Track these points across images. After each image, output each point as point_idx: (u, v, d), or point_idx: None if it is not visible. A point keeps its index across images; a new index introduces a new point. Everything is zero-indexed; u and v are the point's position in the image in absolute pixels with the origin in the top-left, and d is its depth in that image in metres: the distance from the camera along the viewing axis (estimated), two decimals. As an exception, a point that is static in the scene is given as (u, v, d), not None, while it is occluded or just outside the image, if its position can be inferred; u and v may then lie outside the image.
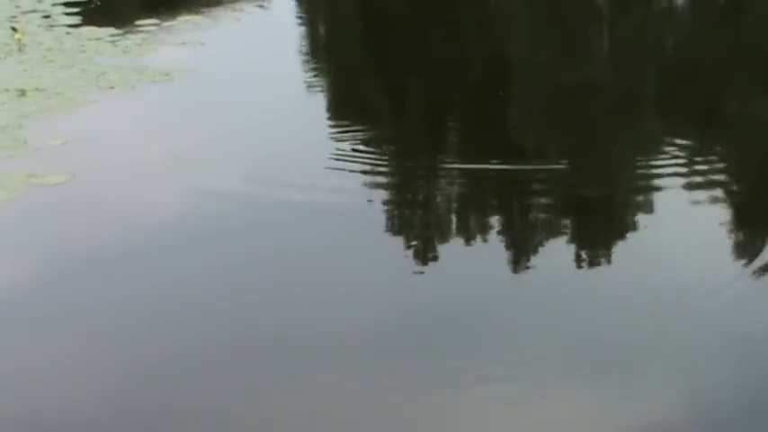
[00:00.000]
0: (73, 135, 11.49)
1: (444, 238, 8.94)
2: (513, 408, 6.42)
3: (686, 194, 9.56)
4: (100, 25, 16.52)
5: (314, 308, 7.63)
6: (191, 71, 13.99)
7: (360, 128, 11.52)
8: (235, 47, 16.22)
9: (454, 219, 9.42)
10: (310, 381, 6.75)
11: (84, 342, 7.36)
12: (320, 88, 13.82)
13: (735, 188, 9.83)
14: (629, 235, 8.80)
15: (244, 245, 8.73)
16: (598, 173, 10.32)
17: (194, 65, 14.33)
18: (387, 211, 9.47)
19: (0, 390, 6.81)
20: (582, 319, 7.37)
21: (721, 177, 9.99)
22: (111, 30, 16.21)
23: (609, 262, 8.30)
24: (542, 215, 9.38)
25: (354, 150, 10.76)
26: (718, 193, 9.57)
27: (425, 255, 8.57)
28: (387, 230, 9.04)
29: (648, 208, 9.34)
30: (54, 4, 18.32)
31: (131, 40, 15.77)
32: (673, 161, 10.45)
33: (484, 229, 9.02)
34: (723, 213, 9.13)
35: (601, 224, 9.18)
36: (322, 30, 19.39)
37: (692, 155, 10.61)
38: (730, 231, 8.76)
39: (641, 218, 9.16)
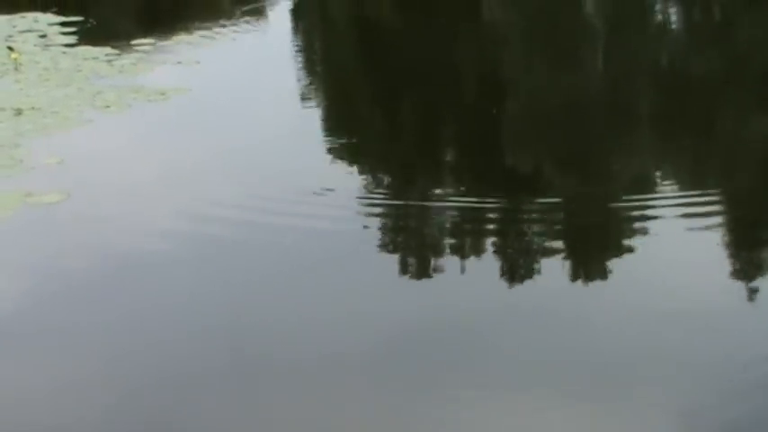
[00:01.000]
0: (69, 154, 11.51)
1: (437, 260, 8.89)
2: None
3: (682, 216, 9.57)
4: (96, 45, 16.57)
5: (307, 330, 7.60)
6: (186, 90, 14.02)
7: (354, 148, 11.54)
8: (230, 66, 16.26)
9: (447, 243, 9.36)
10: (305, 402, 6.75)
11: (76, 362, 7.34)
12: (316, 107, 13.85)
13: (731, 210, 9.81)
14: (623, 258, 8.75)
15: (239, 266, 8.71)
16: (591, 195, 10.35)
17: (190, 84, 14.36)
18: (380, 231, 9.42)
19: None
20: (576, 342, 7.37)
21: (717, 199, 10.01)
22: (108, 49, 16.26)
23: (603, 285, 8.25)
24: (535, 238, 9.35)
25: (347, 172, 10.78)
26: (714, 215, 9.56)
27: (418, 277, 8.57)
28: (379, 251, 8.99)
29: (642, 230, 9.31)
30: (50, 24, 18.37)
31: (127, 59, 15.81)
32: (667, 182, 10.50)
33: (476, 252, 8.99)
34: (718, 235, 9.10)
35: (594, 247, 9.14)
36: (318, 49, 19.43)
37: (686, 176, 10.66)
38: (726, 253, 8.73)
39: (635, 240, 9.12)
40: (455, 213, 9.84)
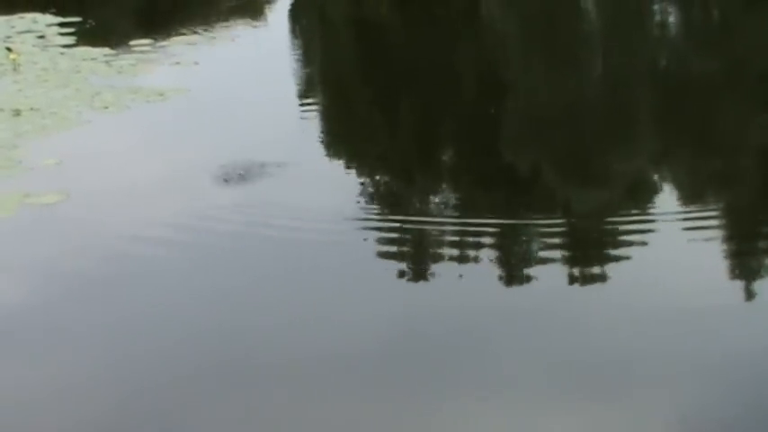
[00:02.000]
0: (67, 155, 11.52)
1: (436, 264, 8.89)
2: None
3: (680, 218, 9.58)
4: (94, 45, 16.58)
5: (307, 334, 7.60)
6: (185, 91, 14.03)
7: (352, 150, 11.53)
8: (229, 67, 16.26)
9: (445, 246, 9.36)
10: (304, 404, 6.76)
11: (74, 362, 7.35)
12: (314, 108, 13.86)
13: (730, 212, 9.81)
14: (622, 258, 8.75)
15: (237, 267, 8.71)
16: (590, 196, 10.36)
17: (188, 85, 14.36)
18: (379, 238, 9.40)
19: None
20: (574, 344, 7.38)
21: (715, 202, 10.02)
22: (106, 50, 16.27)
23: (602, 286, 8.24)
24: (534, 240, 9.35)
25: (347, 175, 10.79)
26: (713, 217, 9.57)
27: (416, 281, 8.57)
28: (378, 255, 8.97)
29: (641, 231, 9.31)
30: (49, 25, 18.38)
31: (126, 60, 15.81)
32: (666, 184, 10.51)
33: (473, 259, 8.98)
34: (717, 236, 9.10)
35: (593, 248, 9.14)
36: (316, 49, 19.44)
37: (685, 177, 10.67)
38: (723, 254, 8.73)
39: (634, 241, 9.12)
40: (453, 217, 9.87)
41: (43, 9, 19.31)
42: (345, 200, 10.00)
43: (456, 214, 9.91)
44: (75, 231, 9.66)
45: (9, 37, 17.44)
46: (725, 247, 8.84)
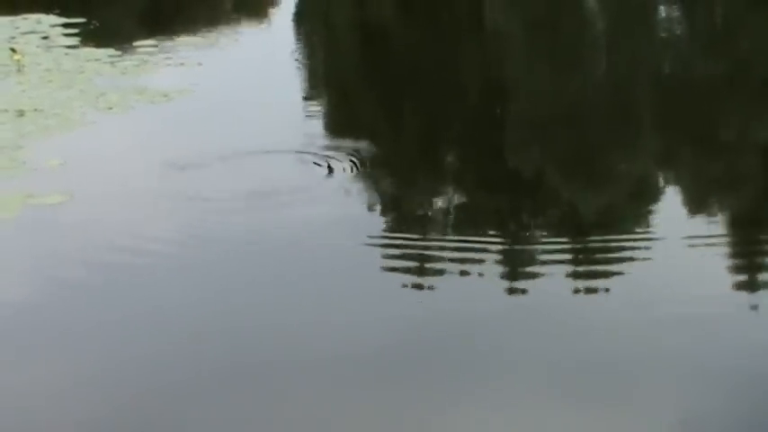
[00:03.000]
0: (71, 156, 11.51)
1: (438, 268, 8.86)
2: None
3: (683, 222, 9.58)
4: (98, 46, 16.60)
5: (311, 335, 7.56)
6: (189, 92, 14.03)
7: (354, 154, 11.49)
8: (233, 67, 16.28)
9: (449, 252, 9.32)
10: (303, 406, 6.74)
11: (75, 364, 7.31)
12: (318, 109, 13.86)
13: (733, 215, 9.80)
14: (624, 264, 8.73)
15: (241, 269, 8.67)
16: (592, 200, 10.35)
17: (193, 85, 14.37)
18: (381, 240, 9.37)
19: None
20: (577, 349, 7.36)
21: (719, 205, 10.00)
22: (110, 50, 16.28)
23: (605, 292, 8.20)
24: (536, 243, 9.33)
25: (349, 175, 10.77)
26: (717, 221, 9.55)
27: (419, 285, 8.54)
28: (382, 258, 8.94)
29: (644, 236, 9.29)
30: (53, 25, 18.40)
31: (130, 60, 15.82)
32: (669, 188, 10.51)
33: (478, 261, 8.96)
34: (721, 242, 9.07)
35: (596, 253, 9.11)
36: (320, 50, 19.46)
37: (688, 180, 10.66)
38: (727, 261, 8.69)
39: (637, 247, 9.10)
40: (456, 218, 9.86)
41: (47, 10, 19.34)
42: (349, 203, 10.00)
43: (459, 216, 9.91)
44: (78, 232, 9.64)
45: (13, 38, 17.46)
46: (729, 251, 8.82)
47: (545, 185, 10.94)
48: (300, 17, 21.92)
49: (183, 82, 14.55)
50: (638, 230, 9.39)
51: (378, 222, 9.75)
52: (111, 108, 13.26)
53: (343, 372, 7.05)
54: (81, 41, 17.12)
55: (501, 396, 6.73)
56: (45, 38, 17.50)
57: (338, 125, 13.13)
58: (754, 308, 7.78)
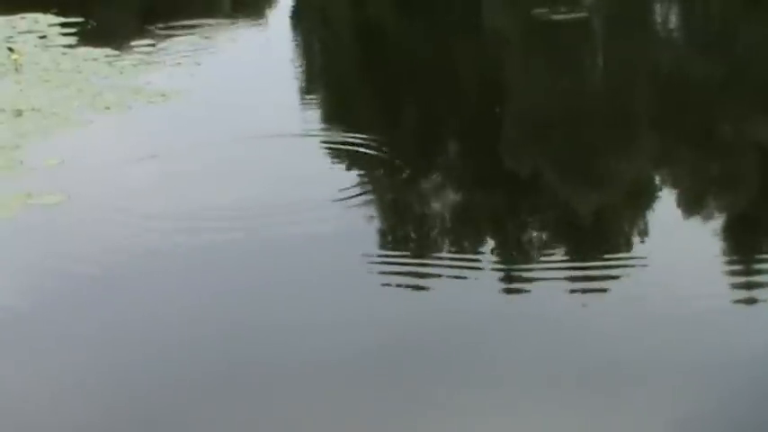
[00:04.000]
0: (69, 155, 11.53)
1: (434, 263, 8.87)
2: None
3: (681, 221, 9.59)
4: (96, 46, 16.61)
5: (304, 335, 7.58)
6: (186, 92, 14.05)
7: (355, 153, 11.52)
8: (230, 67, 16.29)
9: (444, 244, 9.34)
10: (302, 408, 6.76)
11: (73, 364, 7.32)
12: (315, 108, 13.87)
13: (732, 215, 9.81)
14: (624, 262, 8.74)
15: (238, 270, 8.67)
16: (591, 198, 10.37)
17: (190, 85, 14.39)
18: (378, 241, 9.37)
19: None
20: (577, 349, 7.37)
21: (717, 204, 10.02)
22: (108, 50, 16.30)
23: (604, 290, 8.22)
24: (534, 239, 9.36)
25: (348, 177, 10.79)
26: (715, 219, 9.56)
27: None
28: (379, 258, 8.95)
29: (643, 234, 9.31)
30: (50, 25, 18.41)
31: (127, 60, 15.84)
32: (668, 187, 10.52)
33: (472, 253, 8.96)
34: (719, 240, 9.09)
35: (594, 249, 9.12)
36: (318, 50, 19.48)
37: (687, 180, 10.68)
38: (727, 259, 8.70)
39: (636, 245, 9.12)
40: (452, 215, 9.88)
41: (45, 9, 19.34)
42: (344, 199, 10.01)
43: (456, 215, 9.93)
44: (76, 232, 9.66)
45: (11, 37, 17.47)
46: (727, 249, 8.84)
47: (542, 185, 10.96)
48: (298, 16, 21.94)
49: (180, 82, 14.57)
50: (636, 232, 9.42)
51: (373, 223, 9.76)
52: (108, 108, 13.27)
53: (337, 378, 7.03)
54: (79, 41, 17.13)
55: (499, 401, 6.75)
56: (43, 37, 17.52)
57: (336, 123, 13.14)
58: (755, 311, 7.81)
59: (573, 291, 8.14)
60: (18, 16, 19.03)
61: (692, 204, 10.00)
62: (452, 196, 10.57)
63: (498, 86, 15.03)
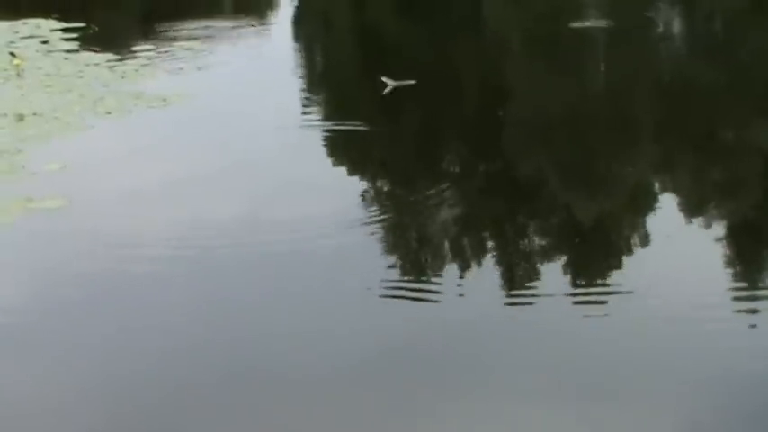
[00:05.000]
0: (70, 160, 11.54)
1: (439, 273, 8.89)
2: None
3: (684, 225, 9.60)
4: (98, 51, 16.65)
5: (304, 343, 7.59)
6: (188, 97, 14.06)
7: (356, 157, 11.54)
8: (231, 72, 16.29)
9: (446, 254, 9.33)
10: (301, 414, 6.78)
11: (72, 370, 7.33)
12: (316, 113, 13.87)
13: (734, 220, 9.80)
14: (625, 267, 8.75)
15: (240, 278, 8.65)
16: (593, 203, 10.38)
17: (191, 90, 14.41)
18: (378, 246, 9.36)
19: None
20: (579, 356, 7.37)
21: (720, 210, 10.03)
22: (109, 55, 16.33)
23: (605, 294, 8.19)
24: (533, 247, 9.34)
25: (349, 182, 10.80)
26: (717, 224, 9.57)
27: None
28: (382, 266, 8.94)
29: (644, 239, 9.31)
30: (52, 30, 18.44)
31: (129, 65, 15.87)
32: (670, 191, 10.53)
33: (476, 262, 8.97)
34: (722, 245, 9.09)
35: (596, 255, 9.13)
36: (319, 53, 19.50)
37: (689, 185, 10.69)
38: (729, 264, 8.70)
39: (637, 250, 9.12)
40: (453, 221, 9.89)
41: (47, 15, 19.38)
42: (347, 208, 10.02)
43: (456, 218, 9.94)
44: (77, 237, 9.65)
45: (13, 42, 17.50)
46: (729, 255, 8.85)
47: (543, 189, 10.97)
48: (299, 20, 21.95)
49: (181, 87, 14.59)
50: (637, 237, 9.43)
51: (375, 225, 9.76)
52: (109, 113, 13.30)
53: (336, 384, 7.06)
54: (80, 46, 17.16)
55: (500, 407, 6.77)
56: (44, 42, 17.54)
57: (336, 127, 13.15)
58: (754, 314, 7.81)
59: (574, 301, 8.13)
60: (20, 21, 19.07)
61: (695, 209, 10.02)
62: (452, 197, 10.59)
63: (500, 91, 15.05)
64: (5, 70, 15.55)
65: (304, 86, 15.80)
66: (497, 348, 7.43)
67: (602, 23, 18.57)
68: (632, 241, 9.35)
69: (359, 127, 12.69)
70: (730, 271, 8.58)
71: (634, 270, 8.62)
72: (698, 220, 9.73)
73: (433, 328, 7.73)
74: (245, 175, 11.09)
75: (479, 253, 9.16)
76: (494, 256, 9.06)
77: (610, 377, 6.96)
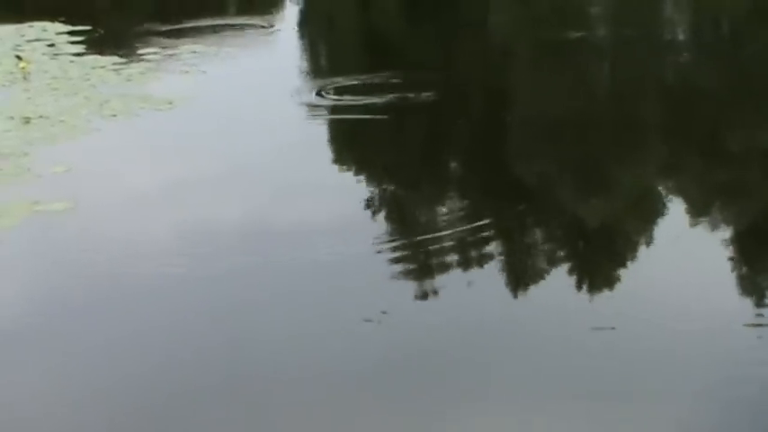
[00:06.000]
0: (76, 163, 11.56)
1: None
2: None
3: (688, 231, 9.59)
4: (104, 54, 16.67)
5: (307, 348, 7.58)
6: (193, 99, 14.08)
7: (359, 160, 11.54)
8: (237, 75, 16.30)
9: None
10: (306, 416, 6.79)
11: (76, 372, 7.34)
12: (321, 116, 13.88)
13: (741, 224, 9.80)
14: (630, 273, 8.74)
15: (241, 278, 8.66)
16: (598, 208, 10.38)
17: (197, 93, 14.42)
18: (384, 249, 9.36)
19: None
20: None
21: (727, 213, 10.03)
22: (115, 58, 16.36)
23: (610, 299, 8.20)
24: (533, 251, 9.34)
25: (354, 187, 10.81)
26: (722, 230, 9.56)
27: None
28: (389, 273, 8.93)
29: (649, 244, 9.30)
30: (58, 33, 18.47)
31: (135, 68, 15.89)
32: (675, 196, 10.52)
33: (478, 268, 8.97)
34: (727, 251, 9.08)
35: (601, 261, 9.12)
36: (325, 55, 19.49)
37: (695, 190, 10.68)
38: (734, 269, 8.68)
39: (642, 255, 9.11)
40: (458, 226, 9.91)
41: (53, 18, 19.41)
42: (352, 213, 10.03)
43: (462, 223, 9.94)
44: (82, 239, 9.67)
45: (19, 45, 17.53)
46: (733, 261, 8.84)
47: (548, 190, 10.97)
48: (305, 22, 21.95)
49: (187, 89, 14.60)
50: (641, 239, 9.43)
51: (380, 227, 9.77)
52: (115, 115, 13.33)
53: (338, 389, 7.06)
54: (86, 49, 17.18)
55: (504, 409, 6.78)
56: (51, 45, 17.57)
57: (341, 132, 13.18)
58: (762, 319, 7.80)
59: (579, 305, 8.13)
60: (26, 24, 19.10)
61: (700, 212, 10.02)
62: (457, 199, 10.59)
63: (503, 96, 15.05)
64: (12, 73, 15.58)
65: (310, 89, 15.79)
66: (501, 351, 7.43)
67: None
68: (638, 245, 9.35)
69: (365, 128, 12.71)
70: (737, 274, 8.57)
71: (639, 273, 8.62)
72: (704, 224, 9.72)
73: (437, 331, 7.73)
74: (251, 178, 11.10)
75: (484, 256, 9.16)
76: (500, 261, 9.05)
77: (615, 380, 6.95)
